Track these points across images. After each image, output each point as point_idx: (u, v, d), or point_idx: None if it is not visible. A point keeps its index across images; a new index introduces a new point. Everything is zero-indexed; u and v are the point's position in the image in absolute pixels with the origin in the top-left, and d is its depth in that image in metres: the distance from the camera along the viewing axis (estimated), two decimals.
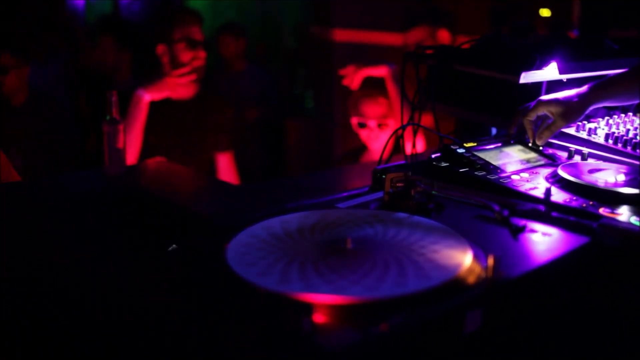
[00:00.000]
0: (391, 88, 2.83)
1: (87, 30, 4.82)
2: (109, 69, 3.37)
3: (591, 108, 1.43)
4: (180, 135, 2.90)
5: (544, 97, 1.44)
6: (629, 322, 1.06)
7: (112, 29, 3.43)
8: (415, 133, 1.72)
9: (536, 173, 1.32)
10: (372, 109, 2.95)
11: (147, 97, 2.61)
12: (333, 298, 0.80)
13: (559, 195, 1.17)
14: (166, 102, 2.86)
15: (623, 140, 1.46)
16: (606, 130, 1.54)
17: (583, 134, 1.52)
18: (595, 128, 1.55)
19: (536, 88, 1.53)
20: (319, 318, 0.79)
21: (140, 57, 3.59)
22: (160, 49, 2.83)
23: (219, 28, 4.93)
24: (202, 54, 2.86)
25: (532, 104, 1.45)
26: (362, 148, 3.14)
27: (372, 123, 2.92)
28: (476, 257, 0.92)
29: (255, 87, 4.74)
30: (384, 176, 1.20)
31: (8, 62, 2.85)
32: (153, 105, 2.79)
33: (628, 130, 1.54)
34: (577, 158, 1.44)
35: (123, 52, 3.35)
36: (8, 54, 2.85)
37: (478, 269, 0.90)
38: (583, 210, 1.10)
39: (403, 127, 1.59)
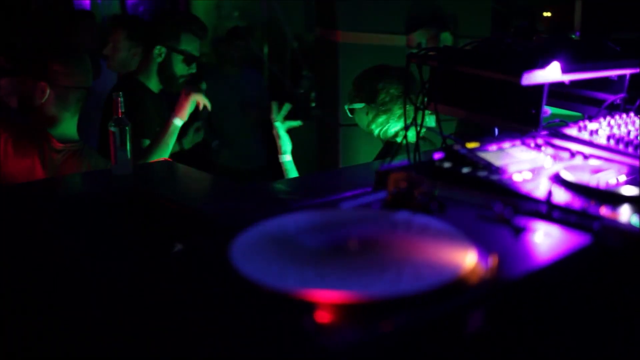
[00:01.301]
0: None
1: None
2: (120, 66, 3.35)
3: None
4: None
5: None
6: (629, 323, 1.07)
7: (124, 22, 3.40)
8: (418, 134, 1.72)
9: (538, 174, 1.33)
10: None
11: (179, 122, 2.62)
12: (336, 297, 0.81)
13: (560, 196, 1.18)
14: (148, 93, 2.91)
15: (624, 141, 1.46)
16: (607, 131, 1.54)
17: (585, 135, 1.52)
18: (597, 129, 1.55)
19: (538, 89, 1.53)
20: (321, 317, 0.80)
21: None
22: (157, 49, 2.87)
23: (227, 32, 4.95)
24: (194, 70, 2.91)
25: None
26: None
27: None
28: (478, 257, 0.93)
29: (251, 90, 4.76)
30: (387, 176, 1.21)
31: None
32: (135, 96, 2.82)
33: (629, 131, 1.55)
34: (578, 159, 1.45)
35: (135, 47, 3.33)
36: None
37: (480, 269, 0.91)
38: (584, 211, 1.11)
39: (406, 128, 1.60)
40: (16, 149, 2.21)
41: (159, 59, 2.89)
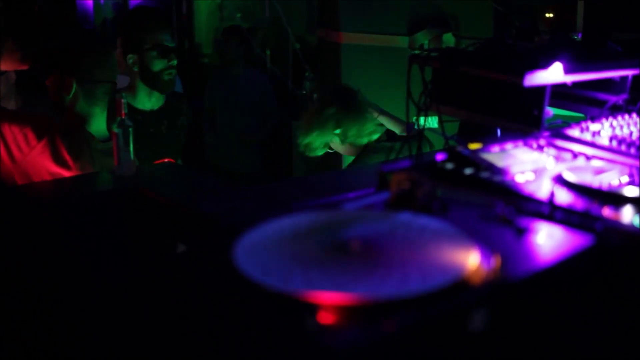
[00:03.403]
0: None
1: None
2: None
3: None
4: (155, 143, 2.91)
5: None
6: (632, 323, 1.07)
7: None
8: (420, 135, 1.72)
9: (541, 175, 1.33)
10: None
11: None
12: (339, 298, 0.81)
13: (563, 197, 1.18)
14: (136, 112, 2.82)
15: (627, 142, 1.46)
16: (610, 132, 1.55)
17: (587, 136, 1.52)
18: (599, 130, 1.55)
19: (540, 90, 1.54)
20: (324, 318, 0.80)
21: None
22: (131, 58, 2.77)
23: (224, 30, 4.95)
24: (173, 61, 2.80)
25: None
26: None
27: None
28: (481, 258, 0.94)
29: (254, 91, 4.76)
30: (389, 177, 1.21)
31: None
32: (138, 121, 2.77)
33: (632, 132, 1.55)
34: (581, 160, 1.45)
35: None
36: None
37: (483, 270, 0.91)
38: (587, 211, 1.11)
39: (409, 130, 1.60)
40: (71, 153, 2.17)
41: (136, 67, 2.78)
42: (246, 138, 4.68)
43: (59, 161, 2.14)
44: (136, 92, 2.82)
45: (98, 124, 2.27)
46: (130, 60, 2.77)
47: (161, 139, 2.93)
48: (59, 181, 2.08)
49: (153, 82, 2.79)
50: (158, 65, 2.75)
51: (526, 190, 1.23)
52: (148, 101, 2.85)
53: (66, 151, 2.15)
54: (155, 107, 2.90)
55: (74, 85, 2.21)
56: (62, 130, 2.19)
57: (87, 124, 2.25)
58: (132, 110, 2.80)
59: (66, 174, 2.14)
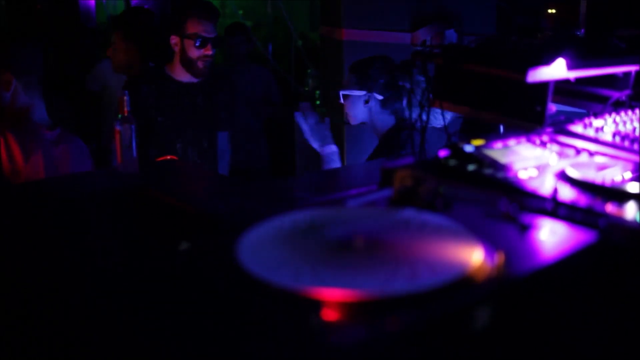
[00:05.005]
0: None
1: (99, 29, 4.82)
2: (122, 67, 3.34)
3: None
4: (189, 114, 3.09)
5: None
6: (635, 320, 1.07)
7: (120, 24, 3.40)
8: (423, 132, 1.72)
9: (544, 171, 1.33)
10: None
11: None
12: (343, 295, 0.81)
13: (566, 193, 1.18)
14: (173, 83, 3.05)
15: (630, 138, 1.46)
16: (613, 128, 1.54)
17: (590, 132, 1.52)
18: (602, 126, 1.55)
19: (543, 86, 1.53)
20: (328, 315, 0.80)
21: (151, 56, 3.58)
22: (173, 39, 3.03)
23: (228, 27, 4.96)
24: (209, 51, 3.02)
25: None
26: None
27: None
28: (485, 254, 0.94)
29: (258, 87, 4.77)
30: (392, 174, 1.21)
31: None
32: (159, 85, 3.00)
33: (635, 128, 1.55)
34: (584, 156, 1.45)
35: (132, 47, 3.31)
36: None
37: (487, 266, 0.91)
38: (590, 208, 1.11)
39: (411, 127, 1.60)
40: (23, 149, 2.17)
41: (177, 48, 3.02)
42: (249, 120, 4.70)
43: (12, 160, 2.16)
44: (175, 66, 3.08)
45: (40, 113, 2.27)
46: (173, 41, 3.03)
47: (195, 111, 3.13)
48: (60, 180, 2.08)
49: (188, 66, 3.05)
50: (195, 53, 3.01)
51: (529, 186, 1.23)
52: (185, 76, 3.09)
53: (19, 147, 2.17)
54: (193, 81, 3.12)
55: (14, 81, 2.20)
56: (12, 126, 2.20)
57: (32, 115, 2.24)
58: (169, 81, 3.07)
59: (20, 170, 2.16)
